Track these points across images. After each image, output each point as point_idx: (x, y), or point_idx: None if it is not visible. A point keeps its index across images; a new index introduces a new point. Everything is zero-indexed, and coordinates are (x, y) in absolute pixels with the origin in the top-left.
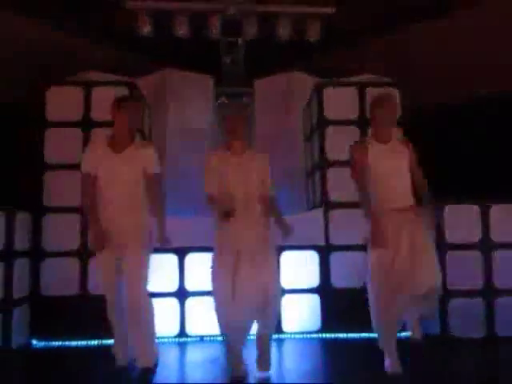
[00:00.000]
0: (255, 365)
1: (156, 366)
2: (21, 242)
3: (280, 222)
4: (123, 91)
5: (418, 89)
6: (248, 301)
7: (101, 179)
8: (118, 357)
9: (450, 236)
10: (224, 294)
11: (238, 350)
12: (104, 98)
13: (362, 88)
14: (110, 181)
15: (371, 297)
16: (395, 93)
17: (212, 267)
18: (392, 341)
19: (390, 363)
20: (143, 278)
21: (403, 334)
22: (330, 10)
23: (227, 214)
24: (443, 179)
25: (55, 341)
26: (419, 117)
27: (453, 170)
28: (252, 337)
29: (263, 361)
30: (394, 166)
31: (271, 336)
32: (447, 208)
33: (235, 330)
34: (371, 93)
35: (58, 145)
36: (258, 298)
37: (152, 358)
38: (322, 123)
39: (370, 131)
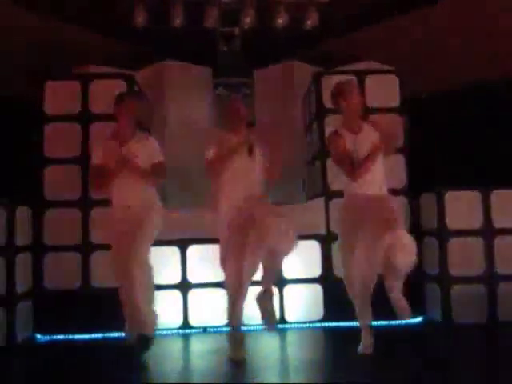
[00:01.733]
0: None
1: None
2: (22, 236)
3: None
4: (121, 84)
5: (418, 75)
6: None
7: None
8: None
9: (451, 222)
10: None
11: (241, 334)
12: (102, 91)
13: (361, 76)
14: (121, 178)
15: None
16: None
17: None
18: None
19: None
20: (144, 251)
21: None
22: None
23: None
24: (443, 165)
25: (59, 335)
26: (419, 104)
27: (453, 156)
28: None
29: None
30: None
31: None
32: (448, 194)
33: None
34: (371, 80)
35: (57, 139)
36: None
37: (149, 325)
38: (321, 112)
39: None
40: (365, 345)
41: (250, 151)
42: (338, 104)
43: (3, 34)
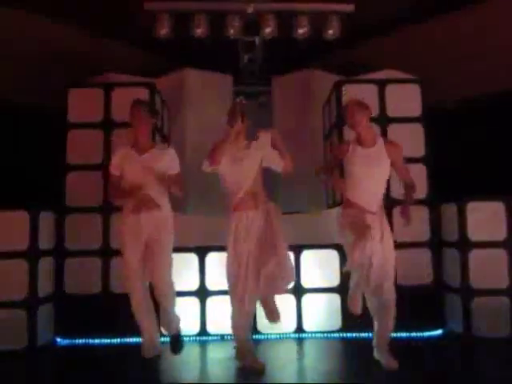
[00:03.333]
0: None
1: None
2: (45, 241)
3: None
4: (143, 92)
5: (442, 84)
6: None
7: (127, 180)
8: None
9: (473, 234)
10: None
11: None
12: (124, 99)
13: (381, 85)
14: (137, 181)
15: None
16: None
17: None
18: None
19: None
20: (168, 263)
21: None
22: (349, 8)
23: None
24: (465, 176)
25: (79, 339)
26: (441, 113)
27: (475, 167)
28: None
29: (272, 312)
30: (369, 172)
31: None
32: (469, 205)
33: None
34: (392, 89)
35: (79, 146)
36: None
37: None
38: (341, 121)
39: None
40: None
41: (242, 118)
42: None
43: (29, 44)
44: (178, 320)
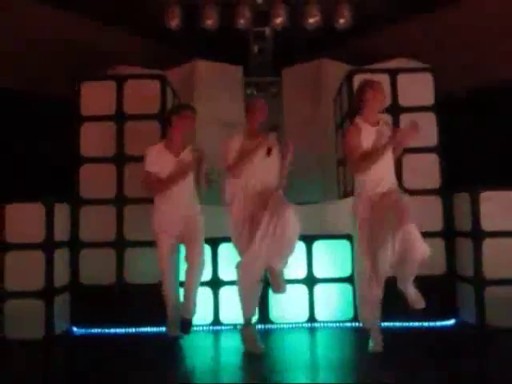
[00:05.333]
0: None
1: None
2: (60, 232)
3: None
4: (154, 84)
5: (454, 73)
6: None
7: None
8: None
9: (486, 223)
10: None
11: (254, 329)
12: (136, 91)
13: (393, 74)
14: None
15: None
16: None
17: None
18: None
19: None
20: (203, 252)
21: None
22: None
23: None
24: (478, 166)
25: (94, 328)
26: (454, 102)
27: (488, 156)
28: None
29: (278, 282)
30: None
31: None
32: (482, 194)
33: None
34: (404, 78)
35: (93, 138)
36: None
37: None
38: (353, 110)
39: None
40: (377, 342)
41: (268, 153)
42: (365, 95)
43: (42, 35)
44: (195, 307)
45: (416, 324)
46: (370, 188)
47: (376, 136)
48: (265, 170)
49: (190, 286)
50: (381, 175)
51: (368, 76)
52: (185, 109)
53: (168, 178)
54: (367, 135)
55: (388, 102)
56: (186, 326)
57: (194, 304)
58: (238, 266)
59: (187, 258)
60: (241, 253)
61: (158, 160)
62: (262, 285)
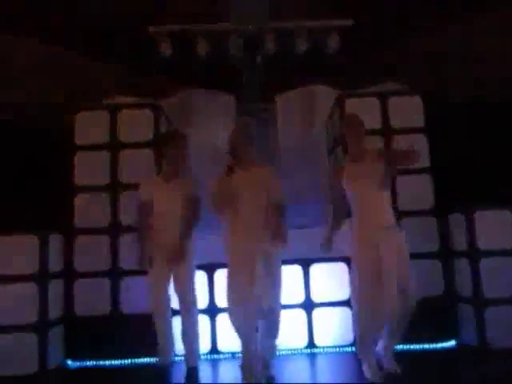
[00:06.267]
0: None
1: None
2: (54, 263)
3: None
4: (148, 113)
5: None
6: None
7: (155, 205)
8: (162, 355)
9: (482, 243)
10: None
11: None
12: (130, 121)
13: (383, 98)
14: (163, 206)
15: (357, 307)
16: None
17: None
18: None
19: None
20: (193, 284)
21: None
22: (348, 22)
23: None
24: (472, 185)
25: (90, 361)
26: (444, 123)
27: (482, 175)
28: None
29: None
30: (366, 184)
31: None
32: (477, 214)
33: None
34: (394, 102)
35: (87, 167)
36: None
37: (197, 358)
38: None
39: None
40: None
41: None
42: (345, 133)
43: (33, 70)
44: (198, 350)
45: (416, 346)
46: (360, 219)
47: (359, 173)
48: (254, 209)
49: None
50: (369, 212)
51: (360, 101)
52: (173, 137)
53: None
54: (350, 173)
55: (377, 125)
56: (189, 375)
57: (197, 349)
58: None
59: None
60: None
61: (150, 187)
62: None
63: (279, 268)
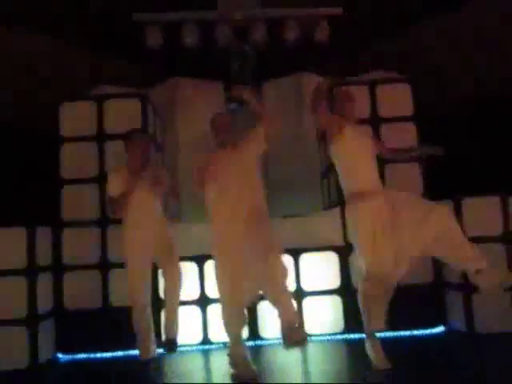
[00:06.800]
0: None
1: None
2: (42, 256)
3: None
4: (135, 103)
5: (431, 86)
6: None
7: (127, 203)
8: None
9: (470, 229)
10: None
11: (243, 349)
12: (117, 111)
13: (372, 86)
14: (135, 204)
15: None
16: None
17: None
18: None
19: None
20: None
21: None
22: (338, 11)
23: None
24: (459, 173)
25: (81, 354)
26: (433, 111)
27: (468, 164)
28: None
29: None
30: (366, 145)
31: None
32: (465, 202)
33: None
34: (383, 90)
35: (73, 159)
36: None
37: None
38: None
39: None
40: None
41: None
42: (343, 106)
43: (18, 60)
44: (178, 325)
45: (405, 333)
46: (357, 187)
47: (360, 134)
48: (237, 182)
49: (171, 305)
50: (367, 175)
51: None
52: (134, 135)
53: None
54: (351, 131)
55: (365, 113)
56: (170, 345)
57: (177, 323)
58: None
59: (165, 277)
60: None
61: (119, 182)
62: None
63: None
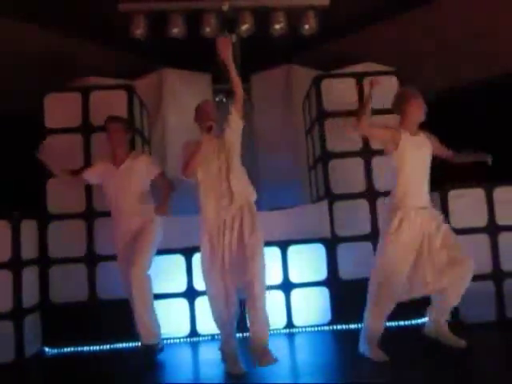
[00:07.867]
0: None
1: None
2: (28, 250)
3: None
4: (121, 94)
5: (419, 76)
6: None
7: (108, 193)
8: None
9: (456, 221)
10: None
11: (233, 346)
12: (102, 102)
13: (359, 78)
14: (116, 193)
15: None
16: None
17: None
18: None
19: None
20: (145, 263)
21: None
22: (325, 1)
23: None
24: (446, 164)
25: (68, 347)
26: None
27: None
28: None
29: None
30: (420, 158)
31: None
32: (451, 193)
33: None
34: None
35: (59, 151)
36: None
37: (154, 335)
38: (322, 115)
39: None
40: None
41: (209, 129)
42: (405, 109)
43: (2, 47)
44: (156, 329)
45: (392, 323)
46: (399, 199)
47: (416, 145)
48: (220, 170)
49: (134, 307)
50: (411, 187)
51: (338, 81)
52: (109, 121)
53: None
54: (405, 141)
55: (353, 106)
56: (146, 353)
57: (148, 326)
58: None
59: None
60: None
61: (100, 172)
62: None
63: (257, 237)
